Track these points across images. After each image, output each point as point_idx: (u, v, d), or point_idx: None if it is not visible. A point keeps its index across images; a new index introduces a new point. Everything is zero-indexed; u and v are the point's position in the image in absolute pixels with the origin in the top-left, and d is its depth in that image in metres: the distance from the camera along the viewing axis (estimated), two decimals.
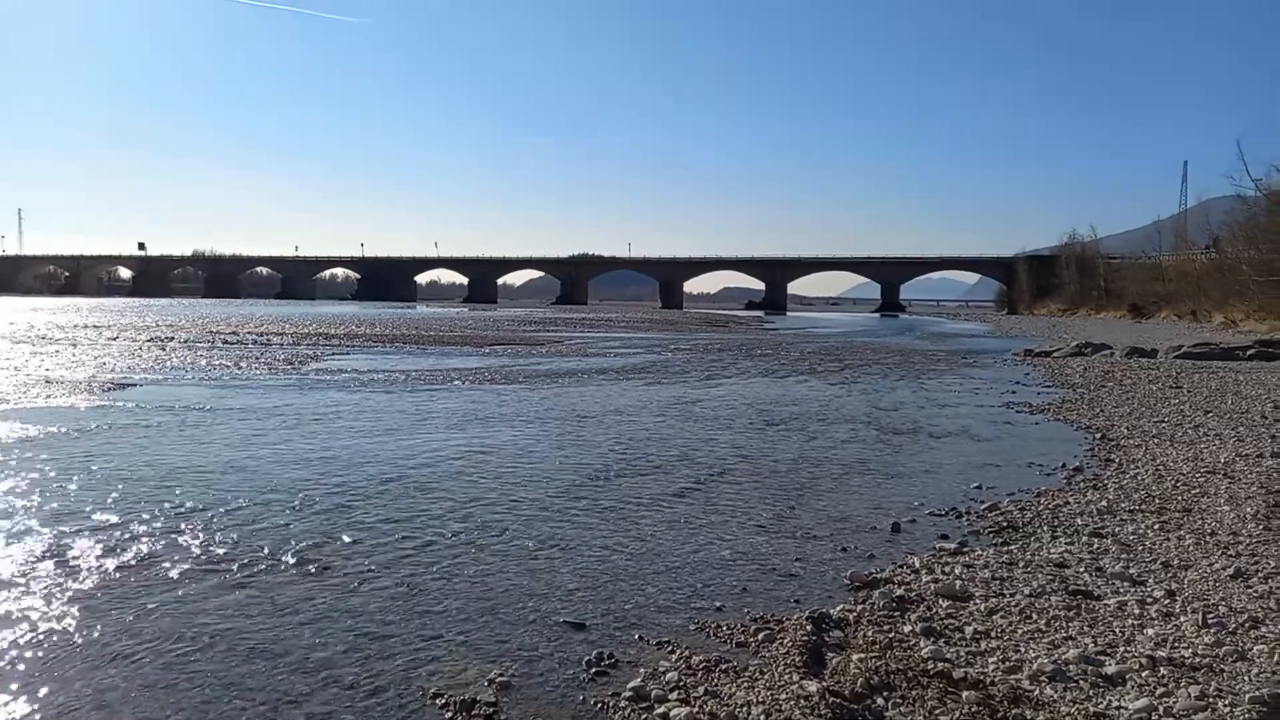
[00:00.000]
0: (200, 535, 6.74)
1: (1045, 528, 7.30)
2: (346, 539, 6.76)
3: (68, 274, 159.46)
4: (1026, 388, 19.52)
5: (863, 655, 4.53)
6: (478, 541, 6.81)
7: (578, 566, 6.26)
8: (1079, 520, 7.51)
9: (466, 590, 5.73)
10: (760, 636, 4.94)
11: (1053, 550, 6.59)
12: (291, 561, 6.20)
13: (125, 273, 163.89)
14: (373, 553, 6.45)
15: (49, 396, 14.84)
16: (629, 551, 6.64)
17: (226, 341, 30.99)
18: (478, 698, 4.24)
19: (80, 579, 5.74)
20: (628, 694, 4.26)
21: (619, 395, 17.06)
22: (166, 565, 6.05)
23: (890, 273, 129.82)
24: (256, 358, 24.16)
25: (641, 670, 4.54)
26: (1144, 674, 4.35)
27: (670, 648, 4.83)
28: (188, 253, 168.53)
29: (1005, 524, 7.45)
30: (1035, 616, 5.17)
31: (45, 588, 5.57)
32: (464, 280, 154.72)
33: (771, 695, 4.15)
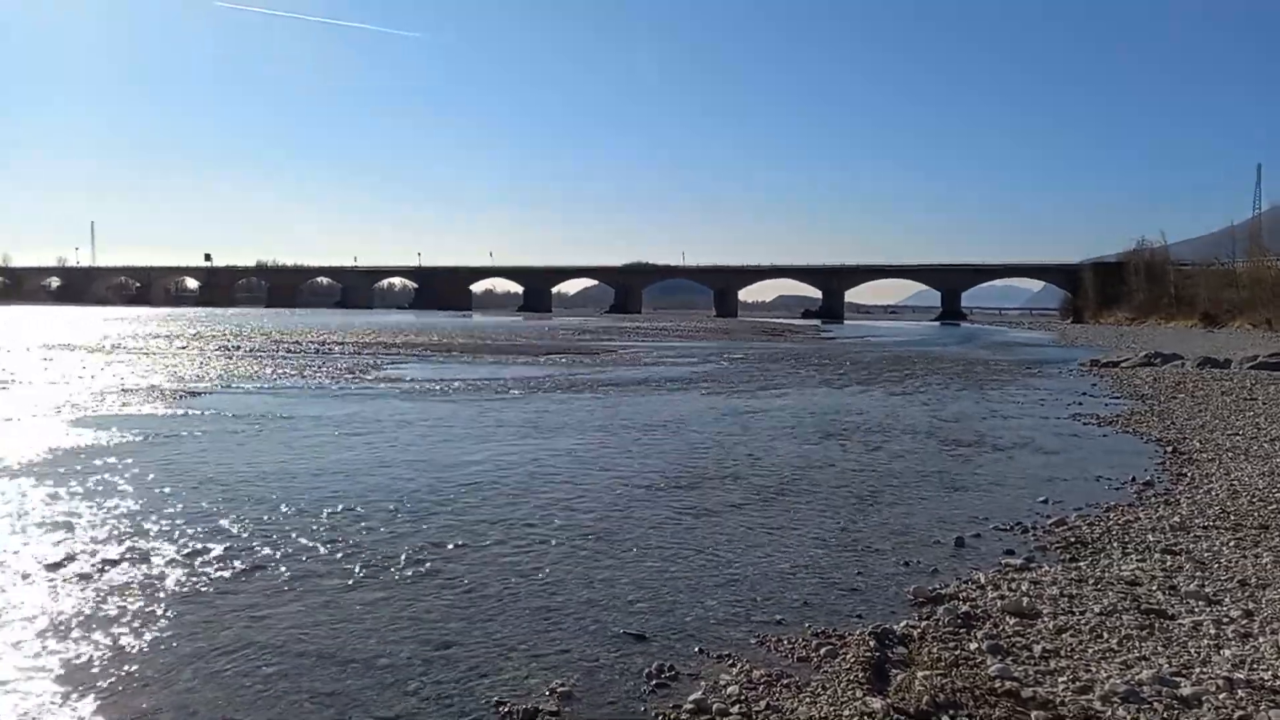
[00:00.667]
0: (270, 541, 6.91)
1: (1115, 544, 7.12)
2: (410, 546, 6.87)
3: (138, 284, 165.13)
4: (1093, 399, 19.05)
5: (928, 673, 4.47)
6: (538, 550, 6.87)
7: (637, 577, 6.28)
8: (1151, 537, 7.31)
9: (528, 599, 5.79)
10: (822, 651, 4.90)
11: (1124, 567, 6.42)
12: (358, 568, 6.32)
13: (192, 283, 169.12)
14: (436, 560, 6.55)
15: (124, 404, 15.36)
16: (688, 563, 6.64)
17: (290, 351, 31.76)
18: (540, 707, 4.28)
19: (157, 582, 5.93)
20: (689, 707, 4.26)
21: (675, 405, 17.07)
22: (238, 570, 6.22)
23: (951, 280, 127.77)
24: (320, 367, 24.71)
25: (702, 683, 4.54)
26: (1221, 696, 4.22)
27: (731, 661, 4.82)
28: (251, 263, 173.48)
29: (1073, 540, 7.28)
30: (1106, 635, 5.04)
31: (125, 589, 5.76)
32: (519, 289, 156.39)
33: (835, 711, 4.12)
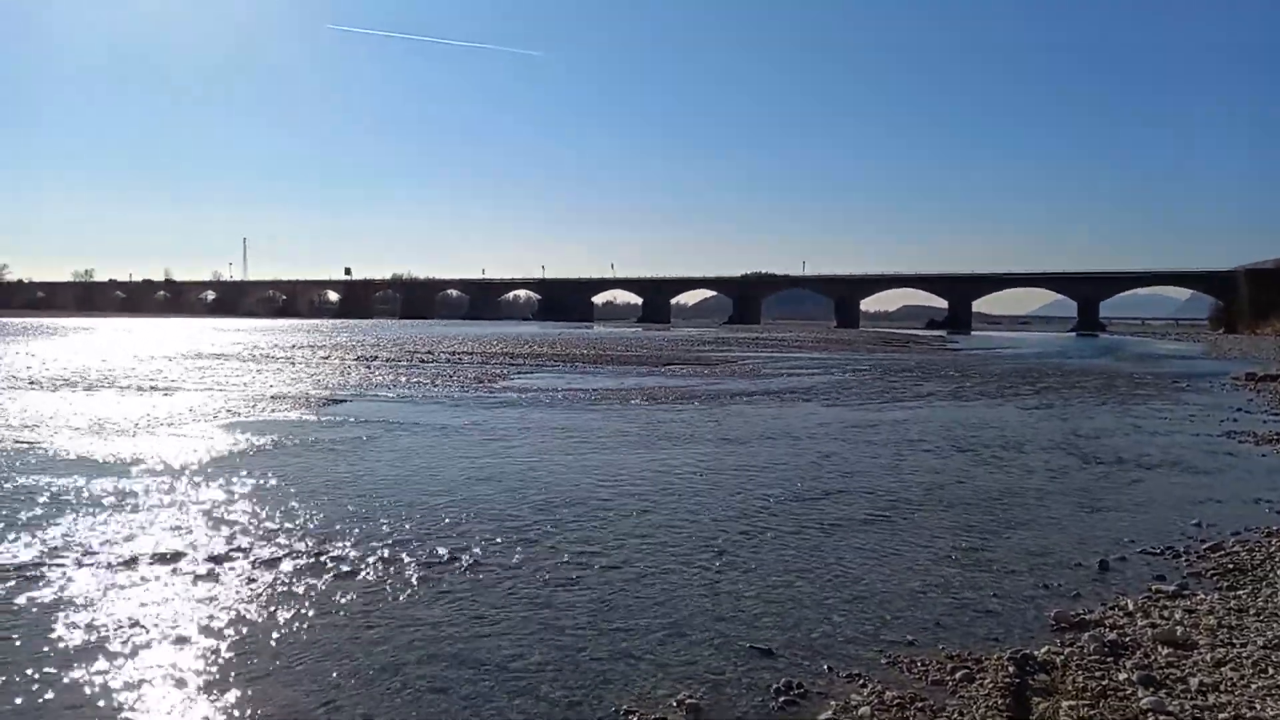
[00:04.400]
0: (408, 545, 7.21)
1: (1279, 572, 6.62)
2: (539, 553, 7.04)
3: (284, 297, 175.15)
4: (1250, 415, 17.76)
5: (1073, 702, 4.27)
6: (663, 561, 6.92)
7: (762, 591, 6.24)
8: None
9: (654, 609, 5.84)
10: (958, 675, 4.75)
11: None
12: (490, 573, 6.52)
13: (333, 295, 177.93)
14: (564, 567, 6.69)
15: (274, 410, 16.32)
16: (814, 578, 6.56)
17: (423, 360, 32.98)
18: (667, 718, 4.31)
19: (304, 580, 6.28)
20: None
21: (796, 417, 16.87)
22: (377, 571, 6.51)
23: (1087, 289, 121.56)
24: (450, 376, 25.58)
25: (832, 703, 4.47)
26: None
27: (861, 680, 4.73)
28: (387, 276, 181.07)
29: (1231, 566, 6.82)
30: (1272, 670, 4.70)
31: (275, 589, 6.12)
32: (638, 300, 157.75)
33: None
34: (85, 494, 8.78)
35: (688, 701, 4.47)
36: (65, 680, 4.64)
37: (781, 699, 4.53)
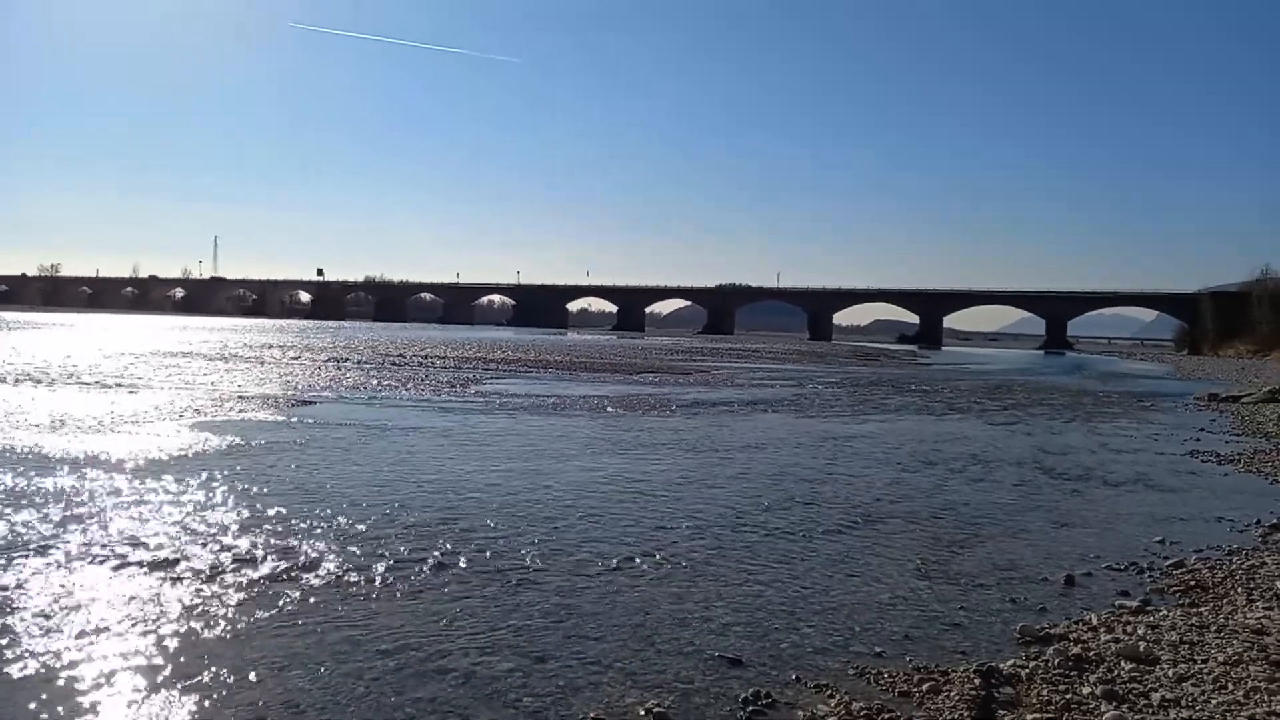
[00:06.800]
0: (373, 549, 7.12)
1: (1240, 589, 6.73)
2: (506, 558, 6.98)
3: (255, 296, 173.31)
4: (1212, 435, 18.07)
5: (1037, 715, 4.30)
6: (632, 569, 6.89)
7: (731, 601, 6.24)
8: (1279, 584, 6.87)
9: (622, 617, 5.81)
10: (924, 687, 4.77)
11: (1249, 615, 6.06)
12: (457, 580, 6.46)
13: (305, 296, 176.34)
14: (533, 574, 6.64)
15: (241, 411, 16.11)
16: (783, 589, 6.57)
17: (395, 363, 32.73)
18: None
19: (267, 584, 6.18)
20: None
21: (768, 427, 16.93)
22: (344, 577, 6.43)
23: (1056, 308, 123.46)
24: (422, 380, 25.41)
25: (800, 713, 4.47)
26: None
27: (829, 691, 4.74)
28: (360, 278, 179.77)
29: (1193, 583, 6.92)
30: (1232, 687, 4.76)
31: (237, 591, 6.02)
32: (613, 308, 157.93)
33: None
34: (40, 492, 8.60)
35: (655, 710, 4.44)
36: (15, 685, 4.53)
37: (749, 709, 4.52)
